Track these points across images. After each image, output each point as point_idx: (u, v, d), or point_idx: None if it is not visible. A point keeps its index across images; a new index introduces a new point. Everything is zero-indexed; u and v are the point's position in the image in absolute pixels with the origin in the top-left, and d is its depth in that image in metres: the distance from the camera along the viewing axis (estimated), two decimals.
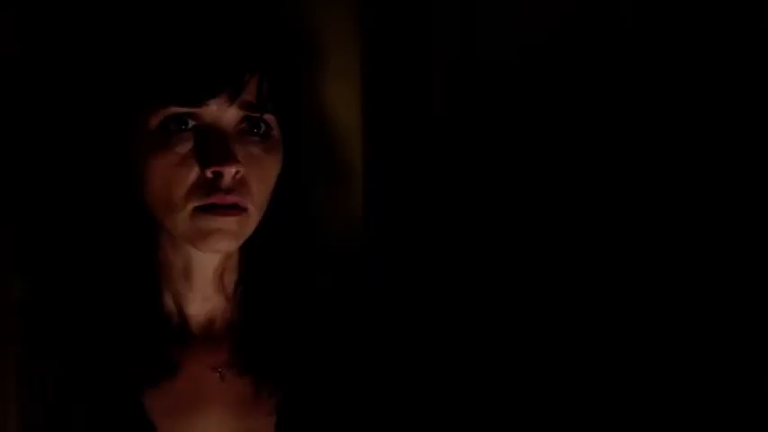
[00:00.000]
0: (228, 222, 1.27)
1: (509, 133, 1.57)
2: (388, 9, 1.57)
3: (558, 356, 1.55)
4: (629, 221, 1.54)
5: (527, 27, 1.56)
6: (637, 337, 1.53)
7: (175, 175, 1.26)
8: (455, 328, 1.56)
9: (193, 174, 1.26)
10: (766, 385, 1.48)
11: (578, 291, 1.55)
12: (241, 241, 1.30)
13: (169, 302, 1.34)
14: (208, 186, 1.25)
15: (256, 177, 1.28)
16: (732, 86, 1.51)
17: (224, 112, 1.27)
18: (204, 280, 1.34)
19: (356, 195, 1.56)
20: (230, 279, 1.36)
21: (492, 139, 1.57)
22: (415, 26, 1.57)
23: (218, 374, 1.34)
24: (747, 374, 1.48)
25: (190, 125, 1.26)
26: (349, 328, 1.41)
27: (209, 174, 1.25)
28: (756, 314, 1.49)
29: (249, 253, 1.35)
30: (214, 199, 1.25)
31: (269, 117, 1.30)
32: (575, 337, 1.54)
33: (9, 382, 1.27)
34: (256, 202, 1.29)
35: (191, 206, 1.26)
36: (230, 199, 1.26)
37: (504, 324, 1.56)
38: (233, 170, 1.25)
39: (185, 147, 1.26)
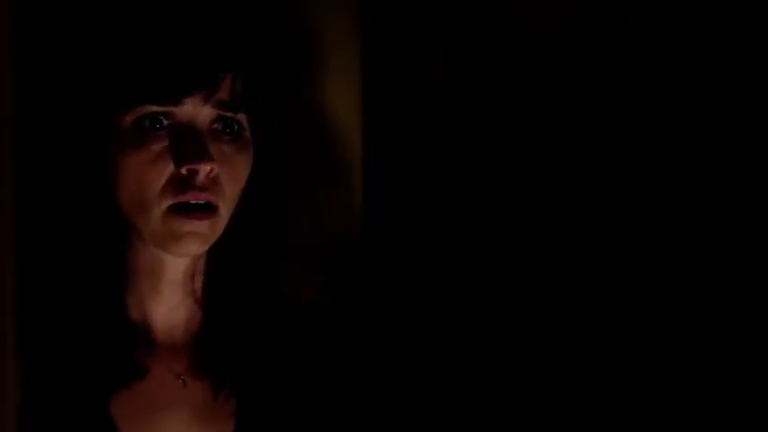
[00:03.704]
0: (200, 226, 1.27)
1: (509, 133, 1.57)
2: (388, 9, 1.57)
3: (559, 357, 1.55)
4: (628, 220, 1.54)
5: (527, 27, 1.56)
6: (637, 338, 1.53)
7: (149, 172, 1.26)
8: (455, 328, 1.56)
9: (167, 171, 1.26)
10: (766, 385, 1.48)
11: (578, 291, 1.55)
12: (211, 243, 1.30)
13: (136, 306, 1.33)
14: (182, 184, 1.26)
15: (229, 176, 1.29)
16: (732, 86, 1.51)
17: (198, 111, 1.27)
18: (174, 283, 1.34)
19: (356, 195, 1.55)
20: (200, 282, 1.36)
21: (492, 139, 1.57)
22: (415, 26, 1.57)
23: (181, 381, 1.34)
24: (747, 374, 1.48)
25: (164, 124, 1.27)
26: (313, 334, 1.41)
27: (183, 171, 1.26)
28: (756, 314, 1.49)
29: (216, 256, 1.35)
30: (188, 196, 1.26)
31: (241, 117, 1.31)
32: (575, 339, 1.54)
33: (9, 383, 1.26)
34: (227, 202, 1.29)
35: (164, 204, 1.26)
36: (204, 197, 1.26)
37: (503, 324, 1.56)
38: (208, 168, 1.26)
39: (159, 145, 1.26)
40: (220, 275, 1.35)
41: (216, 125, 1.29)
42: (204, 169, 1.25)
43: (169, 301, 1.34)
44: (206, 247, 1.30)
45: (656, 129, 1.54)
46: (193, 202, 1.26)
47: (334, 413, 1.40)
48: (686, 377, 1.50)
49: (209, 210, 1.27)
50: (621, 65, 1.54)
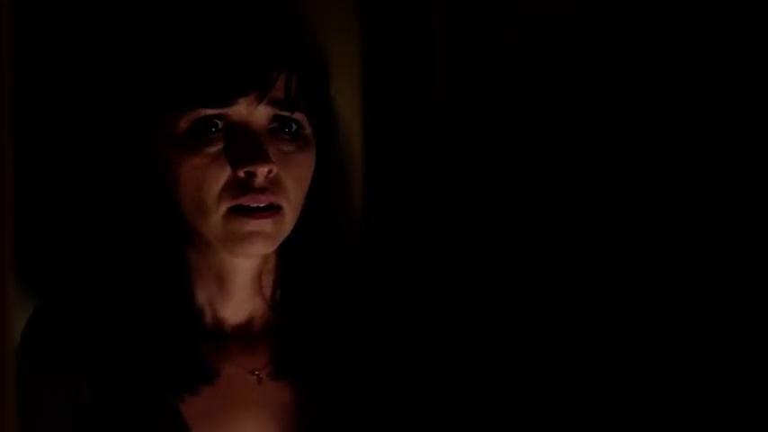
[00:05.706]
0: (263, 224, 1.25)
1: (508, 132, 1.57)
2: (389, 7, 1.56)
3: (558, 357, 1.55)
4: (627, 221, 1.54)
5: (528, 27, 1.55)
6: (637, 338, 1.53)
7: (207, 176, 1.24)
8: (456, 328, 1.56)
9: (225, 174, 1.24)
10: (766, 385, 1.48)
11: (578, 291, 1.55)
12: (278, 243, 1.28)
13: (205, 306, 1.32)
14: (240, 187, 1.23)
15: (291, 176, 1.26)
16: (732, 85, 1.51)
17: (253, 112, 1.25)
18: (242, 284, 1.32)
19: (356, 195, 1.55)
20: (268, 280, 1.34)
21: (491, 138, 1.57)
22: (414, 26, 1.57)
23: (255, 377, 1.32)
24: (747, 374, 1.49)
25: (219, 126, 1.25)
26: (385, 328, 1.40)
27: (241, 174, 1.23)
28: (756, 314, 1.49)
29: (287, 254, 1.33)
30: (247, 199, 1.24)
31: (299, 116, 1.28)
32: (574, 339, 1.54)
33: (9, 383, 1.26)
34: (292, 202, 1.27)
35: (224, 207, 1.24)
36: (264, 199, 1.24)
37: (503, 323, 1.56)
38: (265, 169, 1.24)
39: (216, 148, 1.24)
40: (292, 273, 1.34)
41: (273, 125, 1.27)
42: (262, 171, 1.23)
43: (239, 300, 1.32)
44: (272, 247, 1.27)
45: (655, 128, 1.54)
46: (254, 205, 1.24)
47: (404, 404, 1.39)
48: (686, 377, 1.51)
49: (271, 209, 1.25)
50: (621, 63, 1.54)
